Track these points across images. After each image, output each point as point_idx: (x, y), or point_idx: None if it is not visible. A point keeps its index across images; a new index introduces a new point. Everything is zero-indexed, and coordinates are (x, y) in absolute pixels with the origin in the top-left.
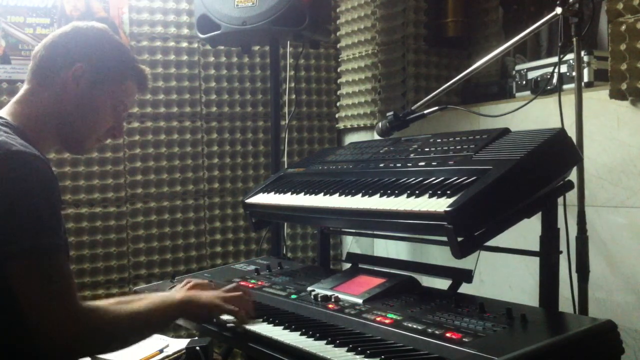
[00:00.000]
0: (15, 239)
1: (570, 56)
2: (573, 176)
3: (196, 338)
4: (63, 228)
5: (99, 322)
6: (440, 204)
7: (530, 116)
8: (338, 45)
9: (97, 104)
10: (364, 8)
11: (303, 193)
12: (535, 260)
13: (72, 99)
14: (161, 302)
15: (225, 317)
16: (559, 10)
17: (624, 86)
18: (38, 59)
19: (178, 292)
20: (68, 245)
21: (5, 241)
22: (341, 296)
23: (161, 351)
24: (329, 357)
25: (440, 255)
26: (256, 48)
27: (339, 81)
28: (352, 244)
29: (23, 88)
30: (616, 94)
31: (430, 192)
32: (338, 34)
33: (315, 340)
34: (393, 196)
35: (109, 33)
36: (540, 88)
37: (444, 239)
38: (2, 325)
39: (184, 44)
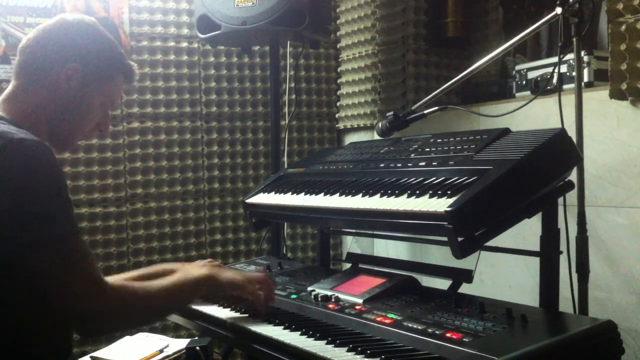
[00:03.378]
0: (30, 228)
1: (570, 56)
2: (573, 176)
3: (196, 338)
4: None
5: (128, 298)
6: (441, 204)
7: (530, 116)
8: (338, 45)
9: (87, 102)
10: (364, 8)
11: (303, 193)
12: (535, 260)
13: (63, 97)
14: (188, 277)
15: (225, 315)
16: (559, 10)
17: (624, 86)
18: (27, 55)
19: (202, 267)
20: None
21: (19, 231)
22: (341, 296)
23: (161, 351)
24: (329, 357)
25: (440, 255)
26: (256, 48)
27: (339, 81)
28: (352, 244)
29: (12, 84)
30: (616, 94)
31: (431, 192)
32: (338, 34)
33: (315, 340)
34: (393, 196)
35: (99, 28)
36: (540, 88)
37: (444, 239)
38: (5, 324)
39: (184, 44)
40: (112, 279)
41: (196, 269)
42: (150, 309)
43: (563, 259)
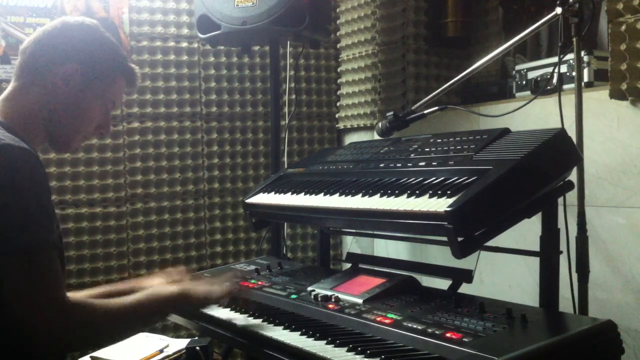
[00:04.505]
0: (5, 235)
1: (570, 56)
2: (573, 176)
3: (196, 338)
4: (55, 222)
5: (89, 317)
6: (441, 204)
7: (530, 116)
8: (338, 45)
9: (86, 104)
10: (364, 8)
11: (303, 193)
12: (535, 260)
13: (62, 98)
14: (156, 295)
15: (225, 315)
16: (559, 10)
17: (624, 86)
18: (27, 56)
19: (173, 283)
20: (61, 239)
21: None
22: (341, 296)
23: (161, 351)
24: (329, 357)
25: (440, 255)
26: (256, 48)
27: (339, 81)
28: (352, 244)
29: (11, 85)
30: (616, 94)
31: (431, 192)
32: (338, 34)
33: (315, 340)
34: (393, 196)
35: (100, 30)
36: (540, 88)
37: (444, 239)
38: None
39: (184, 44)
40: (77, 296)
41: (166, 287)
42: (112, 327)
43: (563, 259)
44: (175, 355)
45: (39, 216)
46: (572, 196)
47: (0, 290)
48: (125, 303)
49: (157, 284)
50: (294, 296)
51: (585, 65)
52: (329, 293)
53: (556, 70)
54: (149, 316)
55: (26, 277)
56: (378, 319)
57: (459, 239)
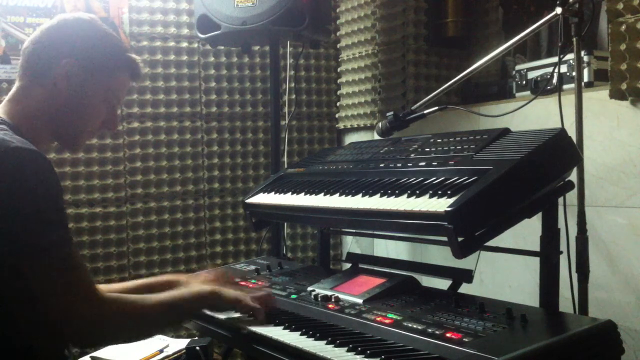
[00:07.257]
0: (23, 236)
1: (570, 56)
2: (573, 176)
3: (196, 338)
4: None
5: (121, 311)
6: (441, 204)
7: (530, 116)
8: (338, 45)
9: (89, 98)
10: (364, 8)
11: (303, 193)
12: (535, 260)
13: (64, 95)
14: (189, 293)
15: (225, 315)
16: (559, 10)
17: (624, 86)
18: (27, 55)
19: (205, 282)
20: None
21: (12, 239)
22: (341, 296)
23: (161, 351)
24: (329, 357)
25: (440, 255)
26: (256, 48)
27: (339, 81)
28: (352, 244)
29: (15, 85)
30: (616, 94)
31: (431, 192)
32: (338, 34)
33: (315, 340)
34: (393, 196)
35: (97, 24)
36: (540, 88)
37: (444, 239)
38: (6, 320)
39: (184, 44)
40: (109, 289)
41: (199, 285)
42: (144, 322)
43: (563, 259)
44: (175, 355)
45: (53, 215)
46: (572, 196)
47: (22, 291)
48: (160, 299)
49: (192, 283)
50: (294, 296)
51: (585, 65)
52: (329, 293)
53: (556, 70)
54: (180, 314)
55: (55, 274)
56: (378, 319)
57: (459, 239)
